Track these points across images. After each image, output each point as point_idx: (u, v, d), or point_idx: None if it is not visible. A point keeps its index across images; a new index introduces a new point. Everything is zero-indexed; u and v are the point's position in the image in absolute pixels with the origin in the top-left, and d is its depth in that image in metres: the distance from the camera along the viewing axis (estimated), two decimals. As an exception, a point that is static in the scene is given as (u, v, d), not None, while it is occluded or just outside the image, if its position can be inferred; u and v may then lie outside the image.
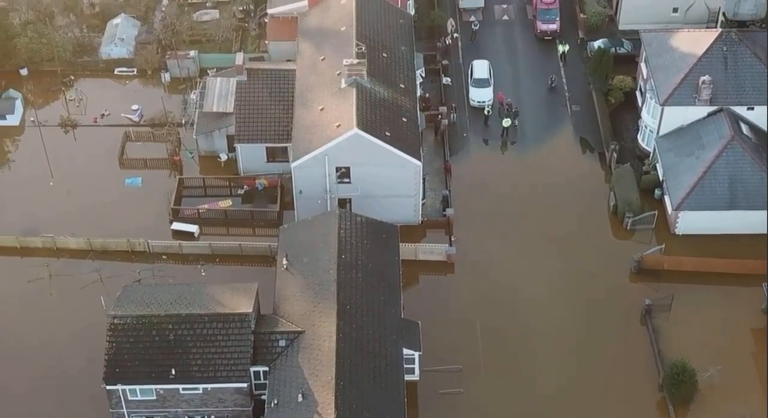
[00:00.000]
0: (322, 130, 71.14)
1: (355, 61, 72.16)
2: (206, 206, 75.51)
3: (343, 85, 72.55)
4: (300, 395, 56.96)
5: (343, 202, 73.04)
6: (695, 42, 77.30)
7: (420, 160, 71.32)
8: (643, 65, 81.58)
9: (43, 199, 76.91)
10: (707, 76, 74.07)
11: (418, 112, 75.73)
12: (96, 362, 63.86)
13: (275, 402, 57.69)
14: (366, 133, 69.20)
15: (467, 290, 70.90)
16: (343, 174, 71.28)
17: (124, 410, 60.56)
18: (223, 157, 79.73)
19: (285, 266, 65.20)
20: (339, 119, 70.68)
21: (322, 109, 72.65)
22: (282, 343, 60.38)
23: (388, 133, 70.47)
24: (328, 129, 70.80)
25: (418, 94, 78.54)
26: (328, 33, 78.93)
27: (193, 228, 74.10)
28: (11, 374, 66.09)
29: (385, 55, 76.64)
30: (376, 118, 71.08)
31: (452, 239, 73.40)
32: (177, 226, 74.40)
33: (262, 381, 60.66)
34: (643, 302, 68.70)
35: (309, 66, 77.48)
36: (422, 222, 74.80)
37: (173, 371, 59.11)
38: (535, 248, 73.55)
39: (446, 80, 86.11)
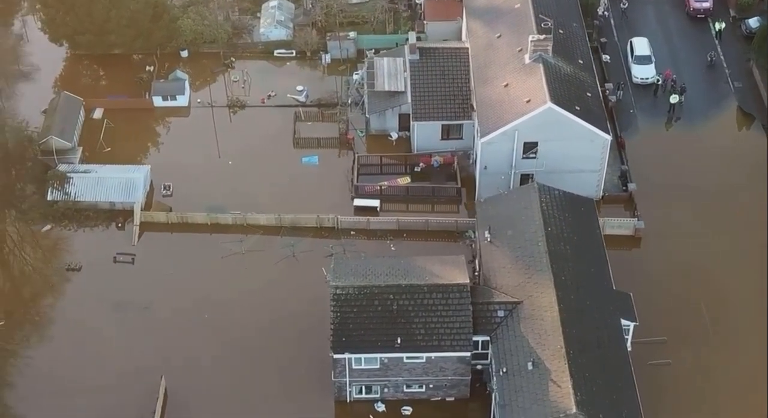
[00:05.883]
0: (511, 106, 71.54)
1: (542, 36, 72.54)
2: (386, 183, 76.25)
3: (527, 60, 72.96)
4: (530, 364, 57.53)
5: (525, 178, 73.50)
6: None
7: (609, 133, 71.66)
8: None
9: (224, 178, 77.74)
10: None
11: (598, 87, 76.03)
12: (305, 333, 65.21)
13: (504, 370, 58.32)
14: (559, 107, 69.63)
15: (657, 264, 71.14)
16: (532, 149, 71.69)
17: (347, 379, 61.41)
18: (394, 135, 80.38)
19: (488, 239, 65.79)
20: (528, 95, 71.03)
21: (506, 86, 73.07)
22: (501, 313, 60.99)
23: (577, 108, 70.82)
24: (517, 105, 71.20)
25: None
26: (500, 11, 79.32)
27: (376, 202, 74.82)
28: (228, 347, 66.65)
29: (561, 31, 76.92)
30: (564, 92, 71.44)
31: (637, 214, 73.65)
32: (359, 202, 75.15)
33: (480, 351, 61.40)
34: (843, 273, 68.87)
35: (484, 44, 77.95)
36: (602, 197, 75.21)
37: (399, 340, 59.92)
38: (717, 222, 73.72)
39: (606, 58, 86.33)
